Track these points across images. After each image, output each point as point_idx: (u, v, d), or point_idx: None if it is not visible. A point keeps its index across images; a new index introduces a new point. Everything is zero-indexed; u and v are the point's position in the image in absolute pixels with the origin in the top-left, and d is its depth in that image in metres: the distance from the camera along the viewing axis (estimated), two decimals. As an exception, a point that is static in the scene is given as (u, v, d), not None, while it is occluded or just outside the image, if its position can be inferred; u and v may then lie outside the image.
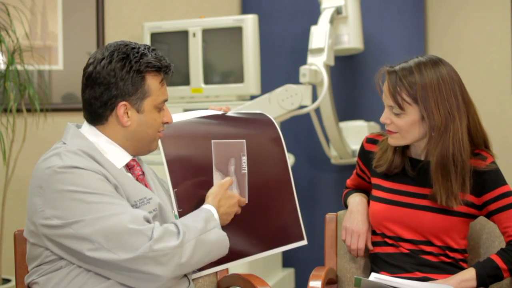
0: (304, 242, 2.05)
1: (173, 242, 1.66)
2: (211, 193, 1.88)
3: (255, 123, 2.08)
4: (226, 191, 1.89)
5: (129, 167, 1.84)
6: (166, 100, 1.84)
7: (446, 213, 2.04)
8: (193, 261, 1.70)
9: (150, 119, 1.80)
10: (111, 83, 1.75)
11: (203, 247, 1.72)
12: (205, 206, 1.84)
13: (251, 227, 1.98)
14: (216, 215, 1.82)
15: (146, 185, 1.85)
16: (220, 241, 1.78)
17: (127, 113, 1.78)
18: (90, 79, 1.78)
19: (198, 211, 1.82)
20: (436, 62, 2.03)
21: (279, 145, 2.07)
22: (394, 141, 2.07)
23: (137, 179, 1.84)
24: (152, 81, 1.79)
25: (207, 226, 1.75)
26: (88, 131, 1.81)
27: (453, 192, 2.01)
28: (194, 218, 1.77)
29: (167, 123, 1.86)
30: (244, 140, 2.00)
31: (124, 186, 1.75)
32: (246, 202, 1.94)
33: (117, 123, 1.79)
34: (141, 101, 1.78)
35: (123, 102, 1.77)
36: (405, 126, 2.02)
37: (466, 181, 2.01)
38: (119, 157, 1.81)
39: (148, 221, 1.69)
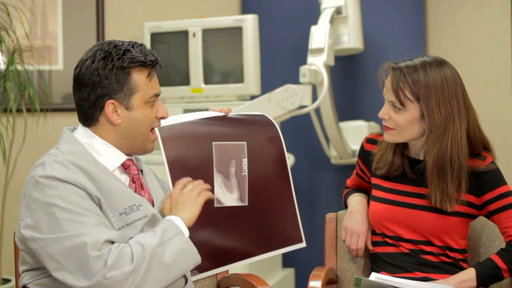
0: (303, 245, 2.05)
1: (127, 267, 1.59)
2: (162, 209, 1.82)
3: (255, 125, 2.08)
4: (172, 195, 1.82)
5: (124, 167, 1.83)
6: (157, 95, 1.81)
7: (445, 213, 2.04)
8: (151, 278, 1.62)
9: (141, 115, 1.78)
10: (96, 82, 1.74)
11: (160, 262, 1.64)
12: (165, 218, 1.77)
13: (251, 229, 1.98)
14: (178, 221, 1.73)
15: (142, 185, 1.84)
16: (182, 249, 1.68)
17: (117, 111, 1.76)
18: (77, 82, 1.77)
19: (157, 226, 1.73)
20: (441, 63, 2.04)
21: (280, 147, 2.06)
22: (390, 137, 2.07)
23: (132, 179, 1.83)
24: (138, 77, 1.77)
25: (163, 238, 1.67)
26: (82, 133, 1.80)
27: (448, 194, 2.01)
28: (151, 234, 1.68)
29: (162, 118, 1.83)
30: (245, 142, 2.00)
31: (111, 193, 1.72)
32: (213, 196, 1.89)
33: (107, 122, 1.77)
34: (129, 98, 1.76)
35: (111, 101, 1.75)
36: (403, 123, 2.03)
37: (462, 184, 2.02)
38: (113, 158, 1.80)
39: (113, 242, 1.64)
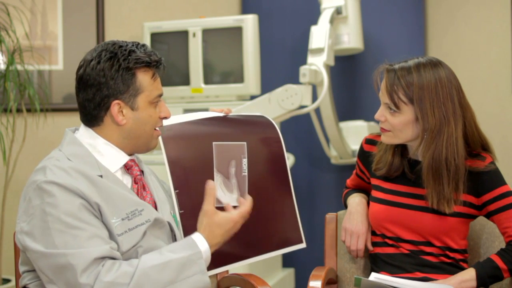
0: (303, 245, 2.05)
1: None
2: (201, 225, 1.77)
3: (255, 125, 2.08)
4: (214, 218, 1.77)
5: (127, 167, 1.83)
6: (160, 95, 1.82)
7: (445, 214, 2.04)
8: None
9: (145, 115, 1.79)
10: (102, 83, 1.74)
11: None
12: (198, 243, 1.71)
13: (250, 230, 1.97)
14: (206, 253, 1.71)
15: (144, 186, 1.85)
16: None
17: (122, 111, 1.77)
18: (81, 82, 1.77)
19: (180, 251, 1.68)
20: (436, 64, 2.03)
21: (279, 148, 2.06)
22: (387, 139, 2.07)
23: (134, 179, 1.83)
24: (143, 77, 1.78)
25: (179, 276, 1.64)
26: (84, 134, 1.80)
27: (445, 196, 2.01)
28: (165, 264, 1.64)
29: (165, 118, 1.85)
30: (245, 142, 2.00)
31: (113, 198, 1.72)
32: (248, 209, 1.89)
33: (112, 122, 1.78)
34: (134, 98, 1.77)
35: (116, 101, 1.76)
36: (398, 125, 2.03)
37: (460, 185, 2.01)
38: (116, 158, 1.80)
39: (105, 257, 1.63)
